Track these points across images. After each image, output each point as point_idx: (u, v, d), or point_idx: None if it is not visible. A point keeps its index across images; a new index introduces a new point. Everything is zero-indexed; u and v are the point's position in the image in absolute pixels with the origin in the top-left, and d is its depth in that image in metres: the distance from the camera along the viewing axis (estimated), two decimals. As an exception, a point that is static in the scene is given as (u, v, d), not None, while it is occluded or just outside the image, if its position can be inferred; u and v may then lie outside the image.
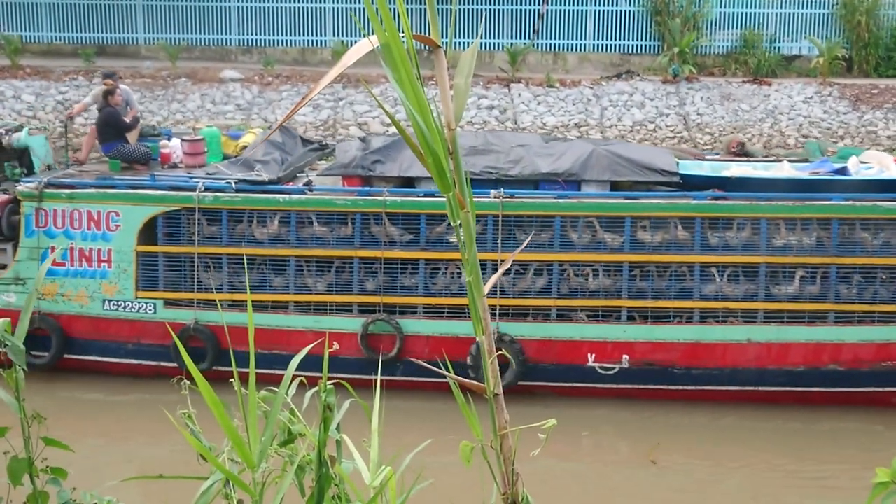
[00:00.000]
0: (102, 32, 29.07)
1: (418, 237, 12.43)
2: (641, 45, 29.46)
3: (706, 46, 28.97)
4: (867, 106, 25.78)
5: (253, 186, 12.56)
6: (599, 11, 29.39)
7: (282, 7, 29.20)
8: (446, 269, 12.53)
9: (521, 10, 29.23)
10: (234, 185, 12.49)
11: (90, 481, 4.04)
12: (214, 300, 12.47)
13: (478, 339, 2.34)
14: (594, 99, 25.95)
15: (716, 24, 29.24)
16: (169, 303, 12.65)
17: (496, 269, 11.81)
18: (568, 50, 29.49)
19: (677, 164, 13.23)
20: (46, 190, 12.58)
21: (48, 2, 28.73)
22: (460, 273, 12.21)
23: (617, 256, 12.50)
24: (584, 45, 29.52)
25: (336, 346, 12.14)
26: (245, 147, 14.35)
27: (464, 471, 2.60)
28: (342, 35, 28.90)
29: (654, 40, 29.20)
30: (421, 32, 2.37)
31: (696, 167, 13.87)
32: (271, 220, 12.45)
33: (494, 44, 28.87)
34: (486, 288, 2.36)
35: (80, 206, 12.48)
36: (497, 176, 12.65)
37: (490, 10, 28.94)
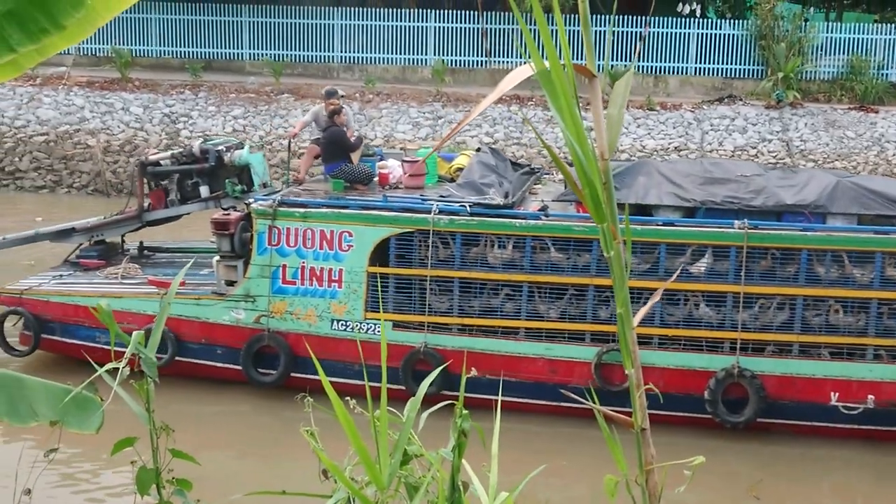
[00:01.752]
0: (209, 48, 29.70)
1: (656, 266, 12.06)
2: (744, 70, 29.07)
3: (811, 72, 28.46)
4: (979, 135, 25.06)
5: (487, 210, 12.37)
6: (702, 34, 29.09)
7: (384, 25, 29.50)
8: (685, 300, 12.15)
9: (621, 32, 29.08)
10: (468, 209, 12.31)
11: (214, 494, 4.09)
12: (441, 324, 12.41)
13: (626, 371, 2.31)
14: (695, 123, 25.66)
15: (821, 50, 28.72)
16: (397, 325, 12.52)
17: (737, 302, 11.50)
18: (669, 73, 29.25)
19: None
20: (280, 208, 12.55)
21: (158, 17, 29.45)
22: (697, 305, 11.97)
23: (865, 293, 11.89)
24: (686, 67, 29.25)
25: (555, 372, 11.91)
26: (459, 169, 14.30)
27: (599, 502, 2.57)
28: (443, 54, 29.06)
29: (758, 64, 28.78)
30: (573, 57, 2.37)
31: None
32: (505, 245, 12.24)
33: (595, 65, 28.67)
34: (636, 320, 2.33)
35: (313, 226, 12.45)
36: (739, 206, 12.22)
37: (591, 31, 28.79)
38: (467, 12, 29.39)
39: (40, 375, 4.70)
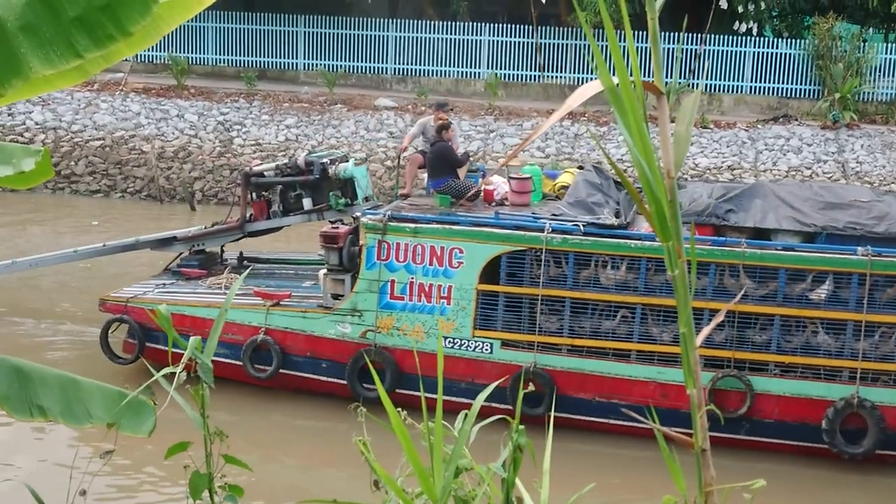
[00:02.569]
0: (264, 57, 29.98)
1: (774, 292, 11.84)
2: (800, 89, 28.79)
3: (869, 93, 28.13)
4: None
5: (601, 230, 12.19)
6: (758, 53, 28.88)
7: (437, 38, 29.61)
8: (803, 327, 11.89)
9: (676, 49, 28.94)
10: (581, 228, 12.15)
11: (266, 501, 4.12)
12: (551, 344, 12.28)
13: (688, 391, 2.29)
14: (749, 142, 25.46)
15: (880, 71, 28.38)
16: (506, 343, 12.39)
17: (858, 330, 11.33)
18: (724, 91, 29.06)
19: None
20: (391, 223, 12.46)
21: (214, 26, 29.78)
22: (816, 332, 11.75)
23: None
24: (742, 86, 29.04)
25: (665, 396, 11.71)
26: (564, 187, 14.19)
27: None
28: (496, 67, 29.10)
29: (814, 84, 28.49)
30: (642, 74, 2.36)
31: None
32: (619, 266, 12.05)
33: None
34: (699, 339, 2.31)
35: (423, 241, 12.33)
36: (861, 232, 11.99)
37: (641, 47, 28.66)
38: (521, 26, 29.42)
39: (97, 378, 4.76)
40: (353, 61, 29.84)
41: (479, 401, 3.20)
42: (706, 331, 2.43)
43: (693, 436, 2.33)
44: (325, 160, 14.75)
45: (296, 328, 12.83)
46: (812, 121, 26.74)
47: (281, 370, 12.65)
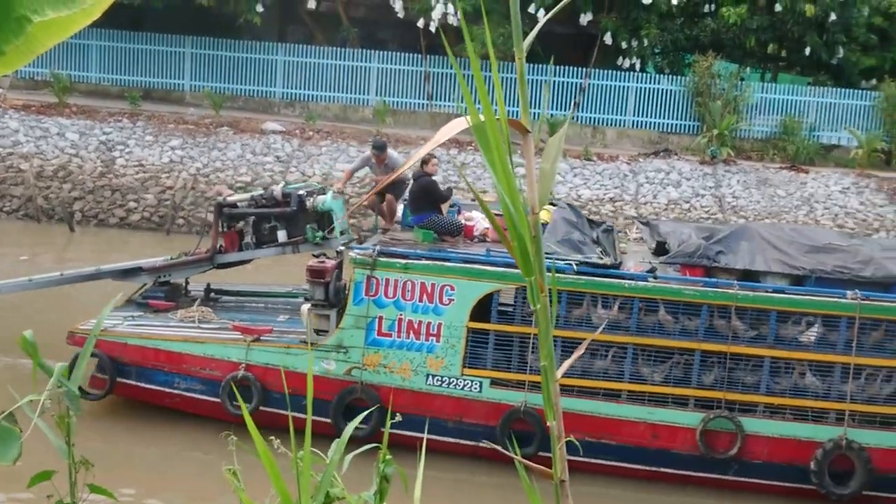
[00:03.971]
0: (150, 77, 29.55)
1: (764, 333, 11.99)
2: (680, 125, 29.61)
3: (745, 130, 29.07)
4: (904, 200, 25.75)
5: (594, 269, 12.13)
6: (641, 89, 29.60)
7: (326, 64, 29.61)
8: (791, 368, 12.05)
9: (562, 83, 29.48)
10: (575, 267, 12.05)
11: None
12: (539, 383, 12.06)
13: (548, 423, 2.33)
14: (630, 175, 26.03)
15: (756, 109, 29.37)
16: (496, 382, 12.22)
17: (847, 373, 11.48)
18: (607, 124, 29.69)
19: None
20: (380, 258, 12.17)
21: (99, 44, 29.24)
22: (803, 374, 11.93)
23: None
24: (624, 120, 29.73)
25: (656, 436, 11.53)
26: (542, 224, 14.06)
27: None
28: (385, 95, 29.21)
29: (694, 120, 29.34)
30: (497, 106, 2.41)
31: None
32: (611, 305, 12.02)
33: (533, 114, 29.11)
34: (559, 372, 2.36)
35: (413, 277, 12.08)
36: (849, 276, 12.20)
37: (530, 80, 29.23)
38: (411, 55, 29.61)
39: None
40: (241, 84, 29.63)
41: (351, 428, 3.20)
42: (567, 364, 2.48)
43: (553, 467, 2.38)
44: (301, 192, 14.39)
45: (277, 364, 12.38)
46: (691, 156, 27.50)
47: (262, 407, 12.14)
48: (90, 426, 12.04)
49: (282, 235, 14.41)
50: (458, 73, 2.49)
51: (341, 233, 14.29)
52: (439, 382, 12.21)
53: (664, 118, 29.66)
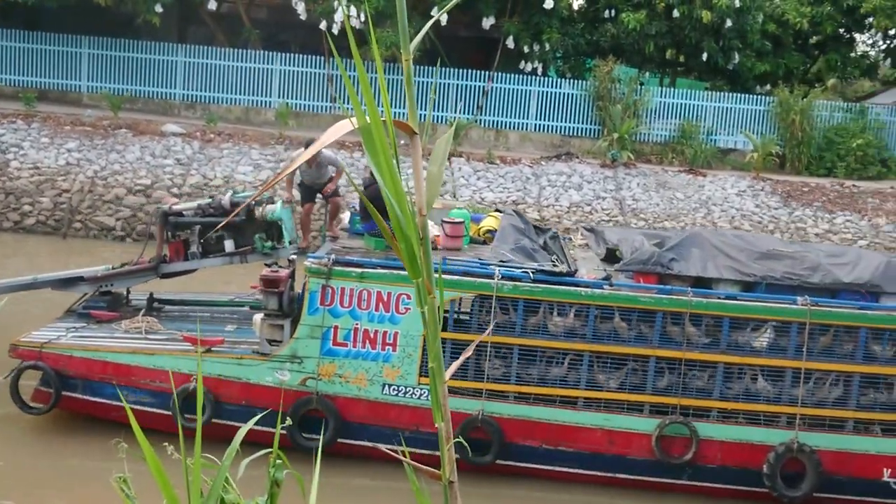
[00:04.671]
0: (45, 77, 28.89)
1: (717, 339, 12.09)
2: (582, 128, 30.01)
3: (645, 134, 29.58)
4: (797, 203, 26.44)
5: (550, 277, 12.09)
6: (543, 93, 29.92)
7: (228, 66, 29.31)
8: (743, 373, 12.18)
9: (465, 86, 29.63)
10: (531, 275, 12.01)
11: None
12: (498, 391, 12.04)
13: (436, 424, 2.34)
14: (533, 178, 26.26)
15: (655, 113, 29.92)
16: (452, 391, 12.07)
17: (798, 377, 11.64)
18: (510, 128, 29.94)
19: None
20: (336, 267, 11.92)
21: (-8, 43, 28.52)
22: (755, 378, 12.06)
23: None
24: (527, 124, 30.00)
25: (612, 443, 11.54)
26: (489, 231, 13.99)
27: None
28: (287, 97, 29.02)
29: (595, 124, 29.77)
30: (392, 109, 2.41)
31: None
32: (567, 313, 12.02)
33: (439, 117, 29.22)
34: (448, 374, 2.37)
35: (370, 286, 11.90)
36: (799, 282, 12.40)
37: (432, 83, 29.35)
38: (313, 57, 29.46)
39: None
40: (140, 85, 29.14)
41: (242, 432, 3.17)
42: (454, 366, 2.49)
43: (441, 468, 2.39)
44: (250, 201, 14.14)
45: (230, 375, 12.13)
46: (592, 159, 27.87)
47: (214, 420, 11.81)
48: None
49: (229, 245, 14.12)
50: (345, 75, 2.49)
51: (290, 242, 14.07)
52: (396, 392, 12.09)
53: (566, 122, 30.02)
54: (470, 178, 25.68)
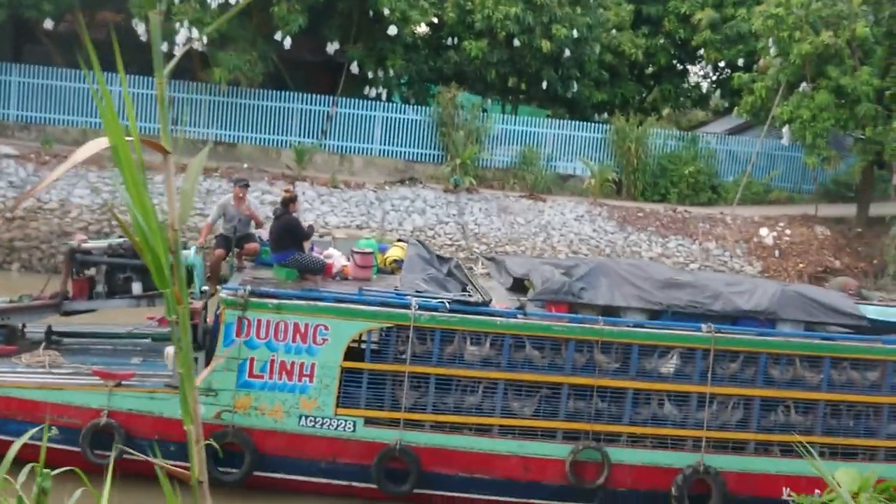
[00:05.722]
0: None
1: (627, 366, 12.35)
2: (426, 154, 30.39)
3: (487, 160, 30.11)
4: (633, 227, 27.35)
5: (466, 307, 12.16)
6: (387, 118, 30.19)
7: (63, 86, 28.65)
8: (650, 399, 12.49)
9: (309, 110, 29.68)
10: (447, 305, 12.04)
11: None
12: (415, 420, 12.02)
13: (185, 427, 2.46)
14: (377, 202, 26.46)
15: (497, 139, 30.51)
16: (369, 421, 11.96)
17: (703, 402, 12.05)
18: (355, 152, 30.09)
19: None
20: (252, 298, 11.72)
21: None
22: (662, 404, 12.40)
23: (815, 395, 12.80)
24: (371, 148, 30.22)
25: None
26: (395, 261, 13.94)
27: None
28: (124, 119, 28.49)
29: (438, 150, 30.18)
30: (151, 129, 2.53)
31: (881, 313, 14.22)
32: (482, 342, 12.10)
33: (282, 141, 29.17)
34: (199, 380, 2.49)
35: (287, 318, 11.74)
36: (702, 311, 12.83)
37: (279, 107, 29.30)
38: (152, 79, 28.98)
39: None
40: (-28, 105, 28.23)
41: (15, 448, 3.21)
42: (205, 373, 2.62)
43: (191, 469, 2.51)
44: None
45: (142, 410, 11.80)
46: (435, 184, 28.25)
47: (126, 456, 11.15)
48: None
49: (136, 288, 13.82)
50: (94, 93, 2.59)
51: (201, 291, 13.70)
52: (312, 423, 12.03)
53: (410, 147, 30.35)
54: (314, 203, 25.71)
